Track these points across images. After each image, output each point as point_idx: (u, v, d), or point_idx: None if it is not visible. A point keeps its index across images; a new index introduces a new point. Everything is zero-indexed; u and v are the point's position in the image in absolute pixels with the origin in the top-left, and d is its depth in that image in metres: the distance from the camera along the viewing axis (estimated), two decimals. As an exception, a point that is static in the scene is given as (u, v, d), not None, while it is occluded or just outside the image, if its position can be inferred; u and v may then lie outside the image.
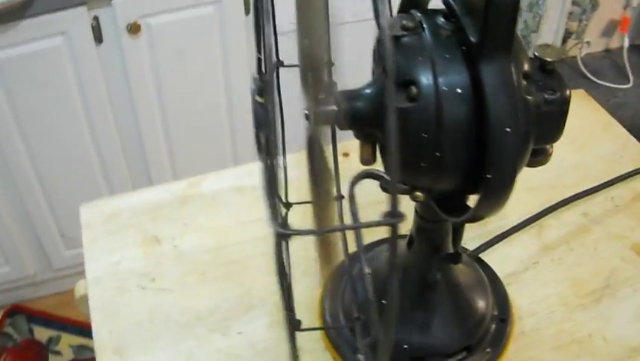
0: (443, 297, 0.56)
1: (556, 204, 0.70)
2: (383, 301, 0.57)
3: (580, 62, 1.90)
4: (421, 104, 0.38)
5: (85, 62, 1.29)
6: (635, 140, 0.82)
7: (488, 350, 0.57)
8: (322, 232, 0.31)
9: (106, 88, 1.34)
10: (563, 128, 0.46)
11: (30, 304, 1.62)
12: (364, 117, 0.42)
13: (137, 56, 1.31)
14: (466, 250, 0.65)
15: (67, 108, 1.34)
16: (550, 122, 0.44)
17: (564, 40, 1.73)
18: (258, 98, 0.41)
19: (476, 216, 0.42)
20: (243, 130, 1.49)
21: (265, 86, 0.41)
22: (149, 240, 0.71)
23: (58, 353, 1.53)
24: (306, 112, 0.37)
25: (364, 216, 0.59)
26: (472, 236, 0.68)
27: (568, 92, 0.44)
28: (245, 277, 0.65)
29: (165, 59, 1.33)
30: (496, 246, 0.67)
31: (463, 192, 0.43)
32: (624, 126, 0.82)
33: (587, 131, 0.83)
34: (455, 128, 0.38)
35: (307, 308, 0.60)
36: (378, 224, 0.30)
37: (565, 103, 0.43)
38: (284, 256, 0.33)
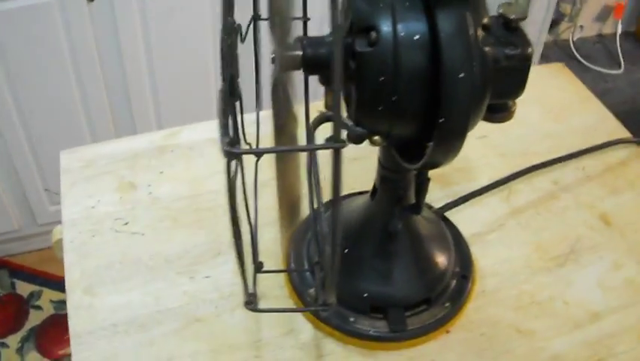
0: (404, 248, 0.57)
1: (527, 169, 0.72)
2: (345, 250, 0.59)
3: (572, 45, 1.91)
4: (379, 49, 0.39)
5: (75, 18, 1.29)
6: (611, 115, 0.83)
7: (447, 304, 0.59)
8: (273, 151, 0.32)
9: (95, 44, 1.34)
10: (524, 85, 0.47)
11: (13, 259, 1.64)
12: (327, 62, 0.43)
13: (129, 13, 1.32)
14: (432, 207, 0.67)
15: (57, 64, 1.34)
16: (510, 78, 0.45)
17: (556, 22, 1.74)
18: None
19: (430, 163, 0.43)
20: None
21: (230, 26, 0.42)
22: (125, 186, 0.72)
23: (39, 307, 1.54)
24: (273, 55, 0.38)
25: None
26: (441, 196, 0.70)
27: (529, 49, 0.45)
28: (216, 225, 0.67)
29: (156, 16, 1.34)
30: (463, 207, 0.69)
31: (421, 140, 0.44)
32: (613, 112, 0.83)
33: (565, 103, 0.84)
34: (411, 73, 0.39)
35: (271, 255, 0.61)
36: (322, 147, 0.31)
37: (525, 59, 0.44)
38: (240, 177, 0.34)
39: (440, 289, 0.59)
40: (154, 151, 0.76)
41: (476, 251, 0.65)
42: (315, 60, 0.43)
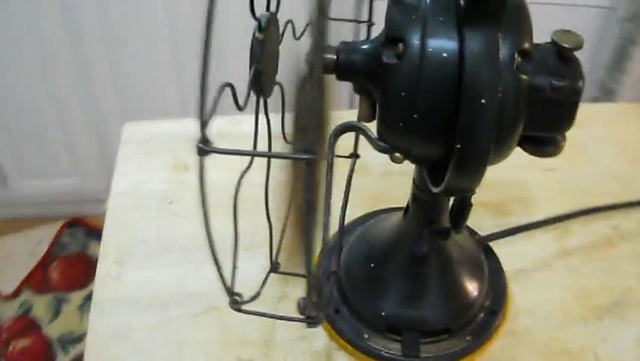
0: (431, 272, 0.55)
1: (587, 210, 0.67)
2: (372, 265, 0.57)
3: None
4: (405, 62, 0.38)
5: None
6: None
7: (469, 337, 0.56)
8: (246, 154, 0.31)
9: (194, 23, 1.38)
10: (571, 119, 0.43)
11: (91, 220, 1.71)
12: (360, 71, 0.42)
13: None
14: (476, 234, 0.64)
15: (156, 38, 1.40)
16: (556, 111, 0.42)
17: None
18: (258, 34, 0.42)
19: (451, 188, 0.41)
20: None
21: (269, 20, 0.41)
22: (179, 166, 0.73)
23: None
24: (306, 57, 0.38)
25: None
26: (491, 224, 0.66)
27: (580, 83, 0.41)
28: (254, 217, 0.66)
29: None
30: (511, 239, 0.65)
31: (445, 163, 0.41)
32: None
33: (643, 147, 0.78)
34: (435, 92, 0.37)
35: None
36: (291, 157, 0.30)
37: (573, 93, 0.41)
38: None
39: (464, 321, 0.56)
40: (214, 136, 0.77)
41: (515, 288, 0.61)
42: (346, 66, 0.42)
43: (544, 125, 0.43)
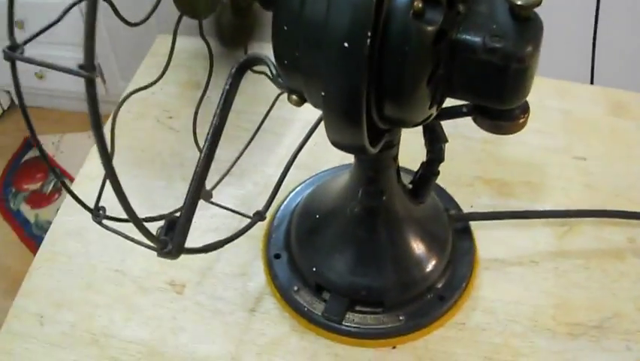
0: (373, 237, 0.50)
1: (604, 211, 0.58)
2: (316, 216, 0.53)
3: None
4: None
5: None
6: None
7: (402, 317, 0.50)
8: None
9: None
10: (517, 91, 0.36)
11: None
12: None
13: None
14: (454, 210, 0.57)
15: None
16: (493, 77, 0.35)
17: None
18: None
19: (331, 141, 0.36)
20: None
21: None
22: (192, 83, 0.72)
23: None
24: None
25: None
26: (489, 203, 0.60)
27: (528, 48, 0.34)
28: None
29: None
30: (504, 225, 0.58)
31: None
32: None
33: None
34: (312, 27, 0.32)
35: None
36: (68, 71, 0.27)
37: (516, 59, 0.34)
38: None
39: (404, 298, 0.51)
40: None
41: (484, 279, 0.54)
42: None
43: (482, 94, 0.37)
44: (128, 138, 0.66)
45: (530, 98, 0.68)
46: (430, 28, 0.32)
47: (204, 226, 0.58)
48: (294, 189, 0.59)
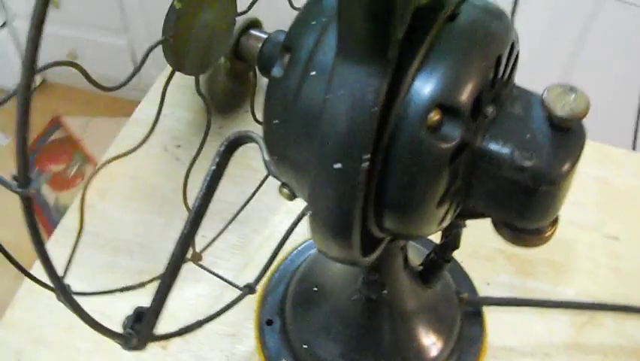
0: (371, 324, 0.46)
1: (628, 307, 0.52)
2: (314, 289, 0.49)
3: None
4: (285, 80, 0.28)
5: None
6: None
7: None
8: None
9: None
10: (544, 212, 0.32)
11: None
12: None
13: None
14: (473, 291, 0.52)
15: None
16: (514, 195, 0.30)
17: None
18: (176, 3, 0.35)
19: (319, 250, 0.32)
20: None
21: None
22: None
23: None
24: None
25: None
26: (505, 283, 0.55)
27: (563, 167, 0.29)
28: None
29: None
30: (523, 312, 0.53)
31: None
32: None
33: None
34: (304, 127, 0.28)
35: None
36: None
37: (542, 181, 0.29)
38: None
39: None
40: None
41: (490, 366, 0.50)
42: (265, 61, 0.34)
43: (504, 210, 0.32)
44: (132, 167, 0.63)
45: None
46: (446, 146, 0.27)
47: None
48: (296, 248, 0.55)
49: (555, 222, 0.36)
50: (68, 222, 0.59)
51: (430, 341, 0.47)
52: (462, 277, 0.53)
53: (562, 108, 0.28)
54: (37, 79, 1.80)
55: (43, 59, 0.23)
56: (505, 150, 0.29)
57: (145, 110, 0.69)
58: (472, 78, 0.26)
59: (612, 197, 0.61)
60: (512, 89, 0.31)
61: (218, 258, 0.57)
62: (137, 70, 0.35)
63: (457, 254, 0.55)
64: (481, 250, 0.57)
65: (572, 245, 0.57)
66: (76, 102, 1.75)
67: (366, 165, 0.25)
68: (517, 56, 0.31)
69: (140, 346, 0.34)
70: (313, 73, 0.26)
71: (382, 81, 0.24)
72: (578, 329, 0.52)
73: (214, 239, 0.53)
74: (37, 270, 0.32)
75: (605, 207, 0.60)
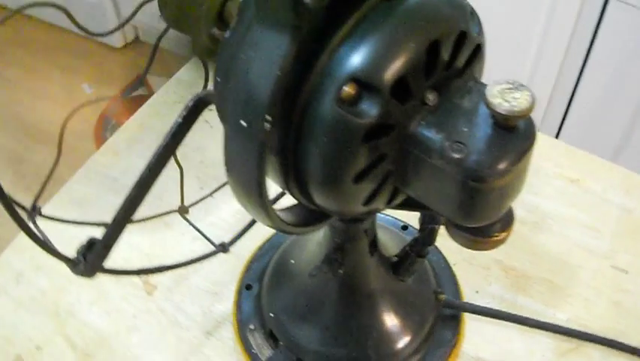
0: (328, 301, 0.46)
1: (622, 344, 0.50)
2: (292, 261, 0.50)
3: None
4: (228, 40, 0.29)
5: None
6: None
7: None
8: None
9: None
10: (470, 209, 0.30)
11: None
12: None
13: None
14: (456, 295, 0.51)
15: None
16: (446, 187, 0.30)
17: None
18: None
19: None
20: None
21: None
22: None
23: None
24: None
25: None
26: (495, 294, 0.53)
27: (496, 166, 0.28)
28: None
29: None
30: (507, 327, 0.51)
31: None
32: None
33: None
34: (234, 82, 0.28)
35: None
36: None
37: (470, 176, 0.28)
38: None
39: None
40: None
41: (457, 375, 0.49)
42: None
43: (445, 205, 0.32)
44: (162, 122, 0.65)
45: (593, 186, 0.61)
46: (360, 121, 0.27)
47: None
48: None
49: (508, 226, 0.34)
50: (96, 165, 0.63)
51: (394, 331, 0.46)
52: (447, 279, 0.52)
53: (500, 104, 0.27)
54: (129, 36, 1.87)
55: None
56: (436, 139, 0.29)
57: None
58: (396, 58, 0.26)
59: (631, 229, 0.58)
60: (469, 83, 0.30)
61: (221, 220, 0.58)
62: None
63: (451, 256, 0.55)
64: (479, 256, 0.56)
65: (576, 270, 0.55)
66: (161, 63, 1.81)
67: (267, 125, 0.26)
68: (477, 49, 0.30)
69: (87, 273, 0.36)
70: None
71: (290, 47, 0.25)
72: (560, 356, 0.50)
73: (204, 197, 0.54)
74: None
75: (621, 238, 0.57)
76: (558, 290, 0.54)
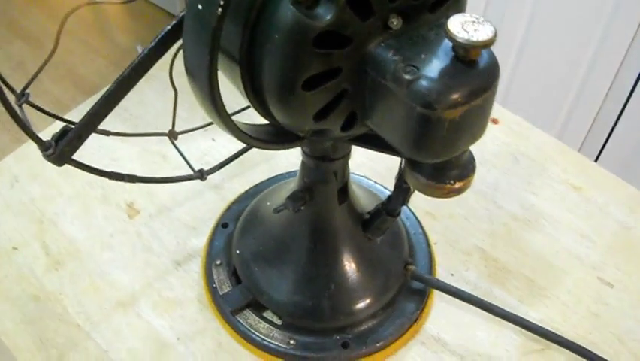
0: (292, 246, 0.46)
1: (590, 352, 0.48)
2: (268, 203, 0.50)
3: None
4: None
5: None
6: None
7: (293, 342, 0.46)
8: None
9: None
10: (419, 139, 0.30)
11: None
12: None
13: None
14: (428, 271, 0.50)
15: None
16: (397, 112, 0.29)
17: None
18: None
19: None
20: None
21: None
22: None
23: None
24: None
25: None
26: (474, 282, 0.52)
27: (447, 96, 0.28)
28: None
29: None
30: (475, 314, 0.50)
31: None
32: None
33: None
34: None
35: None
36: None
37: (419, 100, 0.28)
38: None
39: (300, 323, 0.46)
40: None
41: (412, 353, 0.48)
42: None
43: (397, 134, 0.31)
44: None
45: (596, 197, 0.59)
46: (313, 23, 0.27)
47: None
48: (281, 174, 0.56)
49: (465, 176, 0.33)
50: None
51: (354, 288, 0.46)
52: (423, 255, 0.51)
53: (459, 33, 0.27)
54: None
55: None
56: (391, 60, 0.28)
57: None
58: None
59: (627, 245, 0.55)
60: (441, 20, 0.30)
61: (213, 159, 0.59)
62: None
63: (434, 235, 0.54)
64: (463, 241, 0.54)
65: (560, 274, 0.53)
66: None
67: (220, 10, 0.26)
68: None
69: (57, 160, 0.37)
70: None
71: None
72: (524, 354, 0.49)
73: (195, 128, 0.54)
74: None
75: (613, 252, 0.55)
76: (537, 290, 0.52)
